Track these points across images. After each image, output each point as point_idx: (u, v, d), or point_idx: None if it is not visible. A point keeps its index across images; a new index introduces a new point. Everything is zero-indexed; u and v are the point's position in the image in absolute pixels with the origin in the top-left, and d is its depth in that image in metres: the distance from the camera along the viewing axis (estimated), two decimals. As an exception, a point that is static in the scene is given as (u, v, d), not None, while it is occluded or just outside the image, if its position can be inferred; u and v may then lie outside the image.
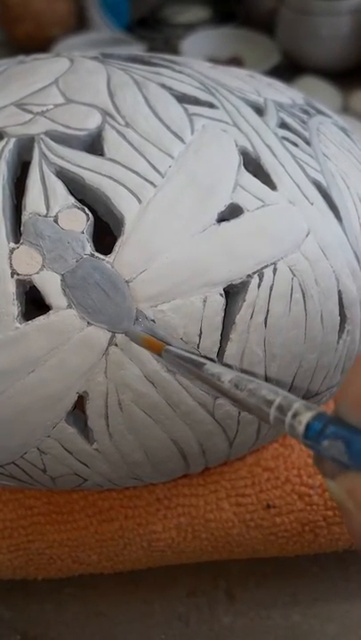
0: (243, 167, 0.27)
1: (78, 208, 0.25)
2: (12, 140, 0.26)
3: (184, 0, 0.96)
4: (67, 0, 0.91)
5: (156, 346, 0.24)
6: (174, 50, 0.84)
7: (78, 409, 0.25)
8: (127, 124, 0.27)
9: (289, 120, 0.31)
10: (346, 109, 0.75)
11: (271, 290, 0.26)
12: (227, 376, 0.21)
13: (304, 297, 0.26)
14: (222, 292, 0.25)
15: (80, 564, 0.34)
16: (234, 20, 0.92)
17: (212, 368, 0.22)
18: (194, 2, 0.95)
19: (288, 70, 0.80)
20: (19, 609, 0.37)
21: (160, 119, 0.27)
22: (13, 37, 0.92)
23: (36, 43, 0.89)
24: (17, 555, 0.34)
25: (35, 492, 0.34)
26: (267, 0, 0.87)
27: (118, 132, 0.27)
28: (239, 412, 0.27)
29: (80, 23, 0.94)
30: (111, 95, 0.28)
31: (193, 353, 0.24)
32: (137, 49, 0.86)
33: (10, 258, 0.24)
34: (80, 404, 0.25)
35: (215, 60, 0.84)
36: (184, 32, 0.88)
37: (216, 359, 0.25)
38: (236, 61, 0.84)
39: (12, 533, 0.33)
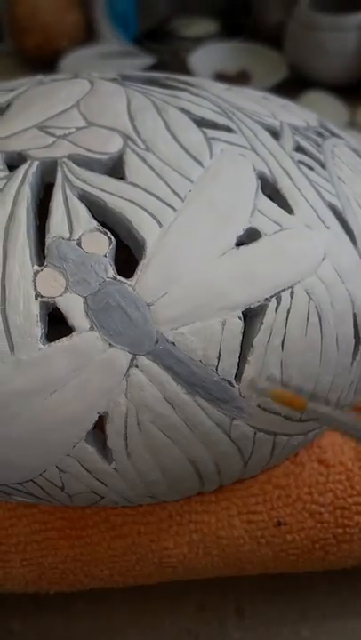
0: (260, 191, 0.27)
1: (101, 232, 0.25)
2: (36, 164, 0.27)
3: (192, 13, 0.96)
4: (75, 12, 0.92)
5: (298, 403, 0.25)
6: (182, 63, 0.84)
7: (98, 428, 0.26)
8: (148, 148, 0.27)
9: (304, 143, 0.31)
10: (352, 124, 0.76)
11: (288, 313, 0.26)
12: None
13: (320, 320, 0.27)
14: (241, 316, 0.25)
15: (92, 578, 0.35)
16: (242, 33, 0.93)
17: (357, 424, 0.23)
18: (202, 15, 0.96)
19: (295, 84, 0.81)
20: (29, 622, 0.37)
21: (180, 143, 0.28)
22: (22, 49, 0.93)
23: (45, 54, 0.90)
24: (30, 569, 0.34)
25: (49, 507, 0.34)
26: (275, 14, 0.88)
27: (139, 155, 0.27)
28: (255, 433, 0.27)
29: (88, 35, 0.95)
30: (132, 119, 0.29)
31: (334, 408, 0.26)
32: (145, 61, 0.87)
33: (34, 280, 0.24)
34: (100, 423, 0.26)
35: (223, 74, 0.85)
36: (192, 45, 0.89)
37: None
38: (243, 75, 0.85)
39: (26, 548, 0.34)
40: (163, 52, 0.91)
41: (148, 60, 0.88)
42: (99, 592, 0.37)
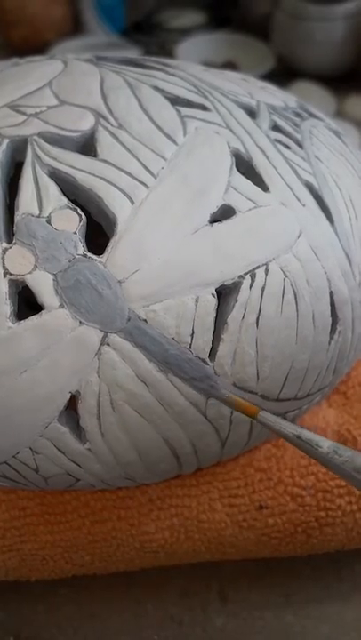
0: (235, 169, 0.27)
1: (71, 209, 0.25)
2: (6, 142, 0.26)
3: (179, 5, 0.96)
4: (63, 4, 0.91)
5: (250, 410, 0.25)
6: (169, 54, 0.84)
7: (71, 408, 0.26)
8: (120, 126, 0.27)
9: (281, 123, 0.31)
10: (340, 114, 0.75)
11: (263, 290, 0.26)
12: (325, 443, 0.23)
13: (296, 297, 0.27)
14: (214, 293, 0.25)
15: (73, 564, 0.34)
16: (229, 24, 0.92)
17: (308, 435, 0.23)
18: (189, 6, 0.96)
19: (283, 75, 0.80)
20: (12, 610, 0.37)
21: (153, 121, 0.28)
22: (9, 41, 0.92)
23: (32, 47, 0.89)
24: (10, 556, 0.34)
25: (28, 492, 0.34)
26: (262, 5, 0.87)
27: (111, 133, 0.27)
28: (231, 412, 0.27)
29: (76, 27, 0.94)
30: (104, 97, 0.28)
31: (285, 419, 0.26)
32: (132, 53, 0.86)
33: (2, 258, 0.24)
34: (72, 403, 0.25)
35: (210, 65, 0.84)
36: (179, 37, 0.88)
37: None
38: (230, 66, 0.84)
39: (5, 534, 0.33)
40: (150, 43, 0.91)
41: (136, 51, 0.87)
42: (81, 579, 0.36)
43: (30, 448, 0.26)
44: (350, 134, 0.70)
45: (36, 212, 0.24)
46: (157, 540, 0.34)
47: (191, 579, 0.38)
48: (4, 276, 0.24)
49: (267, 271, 0.26)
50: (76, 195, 0.26)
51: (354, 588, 0.37)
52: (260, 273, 0.26)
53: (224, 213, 0.26)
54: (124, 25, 0.93)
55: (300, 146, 0.30)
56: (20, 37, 0.91)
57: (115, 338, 0.24)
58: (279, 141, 0.30)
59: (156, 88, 0.30)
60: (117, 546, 0.34)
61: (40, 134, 0.26)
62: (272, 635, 0.36)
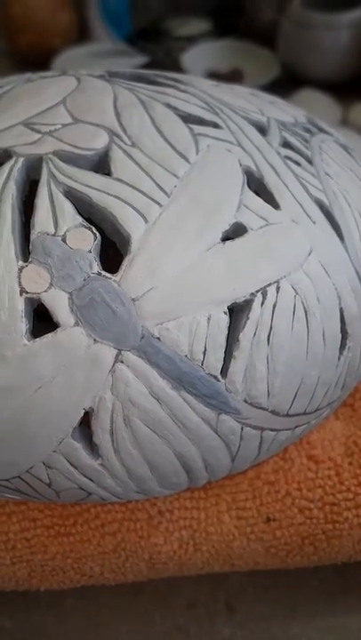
0: (247, 187, 0.27)
1: (86, 227, 0.25)
2: (21, 160, 0.27)
3: (185, 12, 0.96)
4: (69, 11, 0.92)
5: None
6: (175, 62, 0.84)
7: (84, 424, 0.26)
8: (133, 144, 0.27)
9: (291, 139, 0.31)
10: (345, 122, 0.76)
11: (274, 308, 0.26)
12: None
13: (306, 315, 0.27)
14: (226, 310, 0.25)
15: (82, 575, 0.35)
16: (234, 32, 0.92)
17: None
18: (195, 14, 0.96)
19: (288, 83, 0.81)
20: (20, 620, 0.37)
21: (166, 139, 0.28)
22: (16, 48, 0.93)
23: (39, 53, 0.90)
24: (20, 567, 0.34)
25: (38, 504, 0.34)
26: (267, 13, 0.88)
27: (125, 151, 0.27)
28: (242, 428, 0.27)
29: (82, 34, 0.94)
30: (118, 115, 0.29)
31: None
32: (138, 60, 0.87)
33: (19, 276, 0.24)
34: (86, 419, 0.26)
35: (216, 73, 0.84)
36: (185, 44, 0.89)
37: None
38: (236, 74, 0.85)
39: (16, 545, 0.34)
40: (156, 51, 0.91)
41: (141, 59, 0.88)
42: (89, 589, 0.37)
43: (44, 463, 0.26)
44: (355, 142, 0.71)
45: (52, 231, 0.25)
46: (166, 552, 0.34)
47: (198, 589, 0.38)
48: (21, 294, 0.24)
49: (278, 289, 0.26)
50: (90, 213, 0.26)
51: (360, 600, 0.37)
52: (271, 290, 0.26)
53: (236, 231, 0.26)
54: (129, 32, 0.93)
55: (310, 162, 0.31)
56: (27, 44, 0.91)
57: (128, 355, 0.25)
58: (290, 158, 0.30)
59: (169, 106, 0.30)
60: (126, 557, 0.34)
61: (55, 153, 0.27)
62: (278, 645, 0.36)
